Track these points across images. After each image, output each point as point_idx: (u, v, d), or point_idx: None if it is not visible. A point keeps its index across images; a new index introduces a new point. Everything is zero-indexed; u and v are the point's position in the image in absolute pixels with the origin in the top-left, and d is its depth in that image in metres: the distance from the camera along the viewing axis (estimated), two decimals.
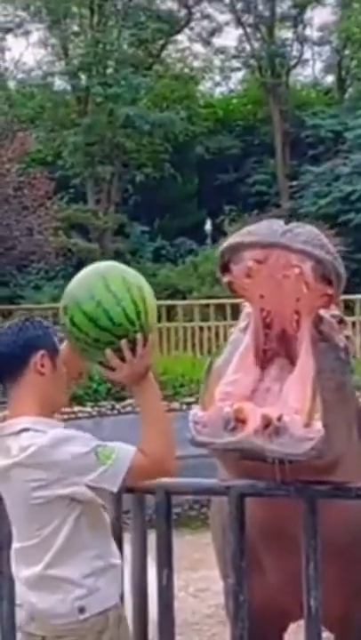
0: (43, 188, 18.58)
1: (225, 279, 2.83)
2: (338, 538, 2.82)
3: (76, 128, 25.37)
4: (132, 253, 25.26)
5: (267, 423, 2.53)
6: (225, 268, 2.81)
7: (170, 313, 17.83)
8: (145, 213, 25.81)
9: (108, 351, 2.53)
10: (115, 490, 2.50)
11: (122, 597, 2.83)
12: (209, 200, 25.95)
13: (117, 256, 25.38)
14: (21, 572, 2.65)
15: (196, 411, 2.65)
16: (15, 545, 2.68)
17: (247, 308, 3.02)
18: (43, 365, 2.63)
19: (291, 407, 2.63)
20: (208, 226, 24.38)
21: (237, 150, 27.97)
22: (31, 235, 17.85)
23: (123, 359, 2.53)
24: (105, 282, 2.56)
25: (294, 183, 25.87)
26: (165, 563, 2.89)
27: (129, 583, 3.04)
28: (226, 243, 2.80)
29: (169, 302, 18.48)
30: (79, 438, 2.52)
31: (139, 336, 2.53)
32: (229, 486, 2.73)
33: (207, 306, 17.53)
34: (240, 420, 2.55)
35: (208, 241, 24.40)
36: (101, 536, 2.64)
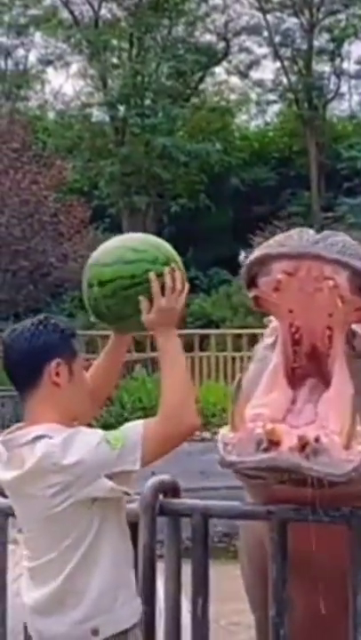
0: (79, 216, 18.60)
1: (251, 294, 2.66)
2: None
3: (113, 158, 25.51)
4: None
5: (303, 444, 2.36)
6: (252, 283, 2.64)
7: (203, 342, 17.67)
8: (179, 243, 25.32)
9: (152, 275, 2.44)
10: (136, 468, 2.33)
11: (153, 628, 2.65)
12: (243, 232, 25.85)
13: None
14: (31, 595, 2.47)
15: (225, 431, 2.48)
16: (27, 564, 2.49)
17: (273, 323, 2.84)
18: (58, 374, 2.43)
19: (328, 429, 2.46)
20: (242, 257, 24.26)
21: (273, 182, 27.90)
22: (66, 262, 17.84)
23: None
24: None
25: (329, 215, 25.70)
26: (201, 591, 2.71)
27: (162, 613, 2.86)
28: (253, 255, 2.63)
29: (202, 332, 18.34)
30: (86, 433, 2.36)
31: (167, 269, 2.45)
32: (272, 511, 2.54)
33: (240, 336, 17.35)
34: (273, 443, 2.39)
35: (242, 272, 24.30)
36: (123, 542, 2.46)
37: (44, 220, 17.66)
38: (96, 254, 2.61)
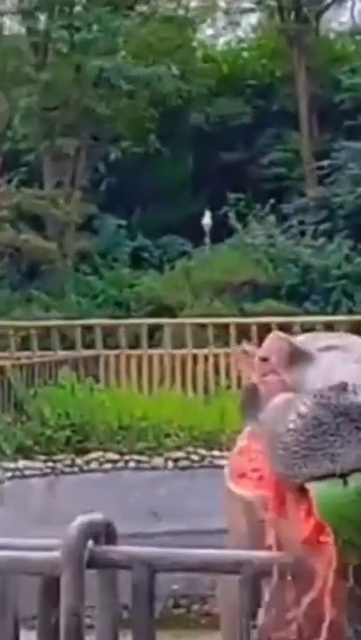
0: None
1: None
2: None
3: (30, 86, 25.41)
4: (103, 256, 25.18)
5: None
6: None
7: (153, 336, 17.71)
8: (121, 202, 25.81)
9: None
10: None
11: None
12: (208, 186, 25.99)
13: (83, 259, 25.33)
14: None
15: None
16: None
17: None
18: None
19: None
20: (207, 220, 24.33)
21: (248, 119, 28.08)
22: None
23: None
24: None
25: (325, 164, 25.90)
26: None
27: None
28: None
29: (152, 321, 18.37)
30: None
31: None
32: (241, 562, 2.56)
33: (204, 326, 17.41)
34: None
35: (207, 240, 24.32)
36: None
37: None
38: None
